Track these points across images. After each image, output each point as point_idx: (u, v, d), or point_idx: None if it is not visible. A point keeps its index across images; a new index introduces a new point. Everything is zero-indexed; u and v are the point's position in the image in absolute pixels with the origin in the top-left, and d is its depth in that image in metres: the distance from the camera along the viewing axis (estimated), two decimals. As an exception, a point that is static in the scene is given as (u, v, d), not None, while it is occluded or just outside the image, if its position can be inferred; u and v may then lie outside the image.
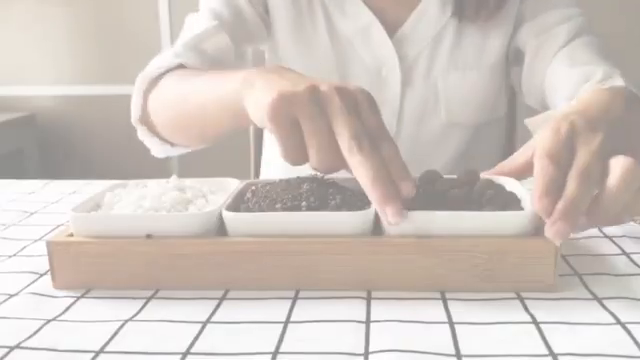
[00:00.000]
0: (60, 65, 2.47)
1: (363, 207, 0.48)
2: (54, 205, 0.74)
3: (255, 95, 0.52)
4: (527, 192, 0.48)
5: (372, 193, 0.44)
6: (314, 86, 0.48)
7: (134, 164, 2.60)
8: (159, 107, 0.75)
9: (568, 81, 0.77)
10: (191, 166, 2.40)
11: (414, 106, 0.88)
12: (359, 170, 0.45)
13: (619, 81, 0.72)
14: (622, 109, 0.55)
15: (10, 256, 0.57)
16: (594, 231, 0.58)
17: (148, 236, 0.47)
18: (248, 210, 0.48)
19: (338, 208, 0.47)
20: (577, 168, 0.46)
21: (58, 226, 0.65)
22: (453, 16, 0.85)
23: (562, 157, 0.46)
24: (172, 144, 0.79)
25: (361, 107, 0.48)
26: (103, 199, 0.53)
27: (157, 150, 0.81)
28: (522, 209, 0.47)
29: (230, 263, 0.47)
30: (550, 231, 0.43)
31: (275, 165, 1.00)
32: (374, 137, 0.47)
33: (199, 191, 0.53)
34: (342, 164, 0.47)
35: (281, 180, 0.52)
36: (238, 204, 0.50)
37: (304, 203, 0.48)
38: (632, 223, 0.61)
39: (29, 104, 2.54)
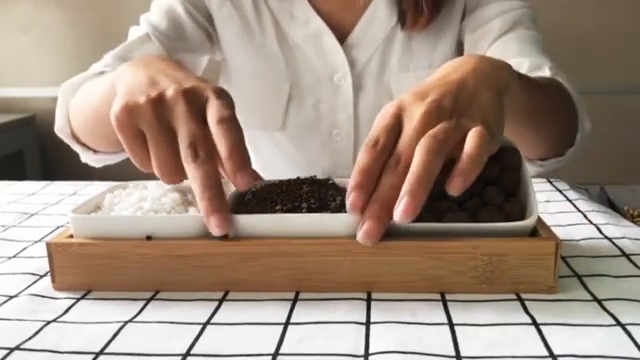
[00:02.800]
0: (60, 67, 2.47)
1: None
2: (54, 206, 0.74)
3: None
4: (532, 192, 0.48)
5: (200, 203, 0.46)
6: (160, 94, 0.50)
7: (134, 166, 2.60)
8: (73, 113, 0.76)
9: None
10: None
11: (369, 110, 0.88)
12: (192, 180, 0.47)
13: (546, 72, 0.73)
14: (485, 74, 0.51)
15: (10, 257, 0.57)
16: (594, 232, 0.58)
17: (148, 238, 0.47)
18: (248, 212, 0.48)
19: (338, 210, 0.47)
20: (393, 157, 0.45)
21: (58, 227, 0.65)
22: (398, 21, 0.85)
23: (381, 143, 0.45)
24: (95, 150, 0.79)
25: (210, 105, 0.49)
26: (103, 200, 0.53)
27: (84, 157, 0.81)
28: (524, 207, 0.47)
29: (230, 265, 0.47)
30: (359, 232, 0.44)
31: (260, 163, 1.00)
32: (220, 135, 0.47)
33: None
34: (180, 175, 0.49)
35: (281, 181, 0.52)
36: (238, 205, 0.50)
37: (304, 205, 0.48)
38: (632, 224, 0.61)
39: (29, 105, 2.54)
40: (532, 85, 0.61)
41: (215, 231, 0.45)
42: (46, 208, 0.73)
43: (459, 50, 0.88)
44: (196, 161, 0.47)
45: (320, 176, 0.54)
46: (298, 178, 0.52)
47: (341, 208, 0.48)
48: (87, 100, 0.72)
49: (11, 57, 2.48)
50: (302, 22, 0.86)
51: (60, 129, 0.78)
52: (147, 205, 0.50)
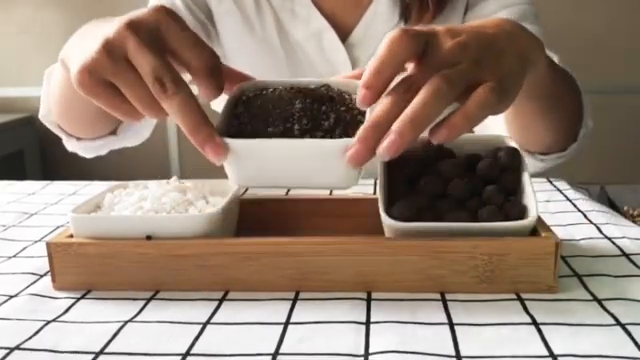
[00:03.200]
0: (60, 66, 2.47)
1: (356, 125, 0.46)
2: (54, 206, 0.74)
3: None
4: (531, 191, 0.48)
5: (188, 136, 0.45)
6: (107, 40, 0.46)
7: (134, 165, 2.60)
8: (51, 100, 0.75)
9: None
10: (192, 168, 2.41)
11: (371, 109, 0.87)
12: (172, 115, 0.45)
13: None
14: (519, 41, 0.50)
15: (10, 257, 0.57)
16: (594, 232, 0.58)
17: (148, 237, 0.47)
18: (240, 130, 0.47)
19: (331, 130, 0.46)
20: (404, 81, 0.44)
21: (58, 227, 0.65)
22: (401, 18, 0.84)
23: (399, 53, 0.44)
24: (77, 138, 0.78)
25: (164, 29, 0.47)
26: (103, 200, 0.53)
27: (68, 146, 0.80)
28: (524, 206, 0.47)
29: (230, 264, 0.47)
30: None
31: None
32: (183, 58, 0.46)
33: (199, 192, 0.53)
34: (163, 109, 0.47)
35: (274, 91, 0.50)
36: (230, 118, 0.49)
37: (296, 127, 0.46)
38: (632, 224, 0.61)
39: (29, 105, 2.54)
40: (556, 70, 0.60)
41: (215, 159, 0.45)
42: (46, 208, 0.73)
43: None
44: (166, 94, 0.45)
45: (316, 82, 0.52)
46: (292, 88, 0.50)
47: (335, 128, 0.46)
48: (55, 85, 0.71)
49: (11, 57, 2.49)
50: (303, 20, 0.86)
51: (44, 117, 0.78)
52: (147, 205, 0.50)
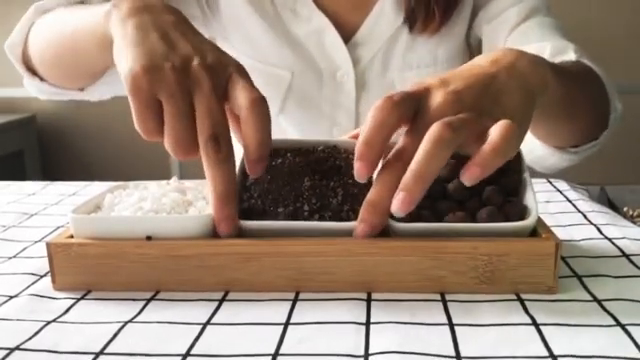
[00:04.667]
0: (60, 66, 2.47)
1: (363, 199, 0.48)
2: (54, 207, 0.74)
3: (120, 46, 0.49)
4: (531, 192, 0.48)
5: (214, 207, 0.46)
6: (184, 63, 0.46)
7: (134, 166, 2.60)
8: (38, 34, 0.74)
9: None
10: (192, 168, 2.41)
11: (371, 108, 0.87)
12: (209, 176, 0.45)
13: (571, 55, 0.71)
14: (522, 73, 0.49)
15: (10, 257, 0.57)
16: (594, 233, 0.58)
17: (148, 238, 0.47)
18: (250, 207, 0.48)
19: (339, 207, 0.48)
20: (431, 133, 0.42)
21: (58, 228, 0.65)
22: (405, 23, 0.84)
23: (389, 117, 0.44)
24: (42, 79, 0.76)
25: (236, 84, 0.47)
26: (103, 201, 0.53)
27: (27, 83, 0.79)
28: (524, 207, 0.47)
29: (230, 265, 0.47)
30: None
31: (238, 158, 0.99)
32: (251, 121, 0.46)
33: (200, 193, 0.53)
34: (195, 152, 0.46)
35: (283, 162, 0.51)
36: (240, 191, 0.50)
37: (306, 207, 0.48)
38: (632, 224, 0.61)
39: (30, 105, 2.54)
40: (567, 77, 0.58)
41: (222, 234, 0.46)
42: (46, 208, 0.73)
43: (475, 42, 0.88)
44: (218, 157, 0.45)
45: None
46: (300, 157, 0.52)
47: (343, 204, 0.48)
48: (62, 25, 0.68)
49: (11, 57, 2.49)
50: (305, 18, 0.86)
51: (11, 45, 0.76)
52: (147, 205, 0.50)
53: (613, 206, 0.71)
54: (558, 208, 0.66)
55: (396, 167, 0.44)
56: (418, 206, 0.47)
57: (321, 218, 0.47)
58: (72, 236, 0.49)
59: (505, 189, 0.49)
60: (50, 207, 0.73)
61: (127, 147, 2.39)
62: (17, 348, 0.40)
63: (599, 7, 2.22)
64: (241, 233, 0.47)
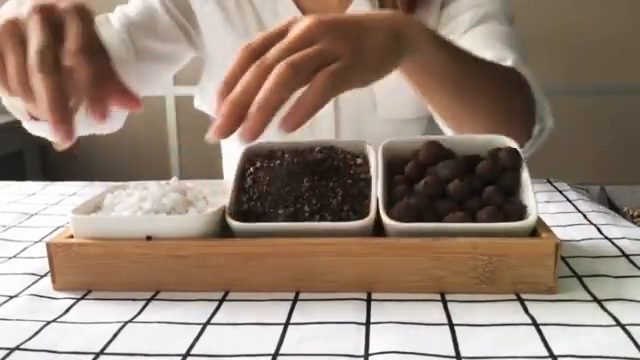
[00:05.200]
0: (60, 67, 2.46)
1: (364, 200, 0.48)
2: (54, 207, 0.74)
3: None
4: (531, 192, 0.48)
5: (45, 114, 0.45)
6: (17, 15, 0.48)
7: (134, 166, 2.60)
8: None
9: None
10: (192, 168, 2.41)
11: (351, 106, 0.88)
12: (37, 90, 0.46)
13: (508, 64, 0.72)
14: (389, 23, 0.52)
15: (10, 257, 0.57)
16: (594, 233, 0.58)
17: (148, 238, 0.47)
18: (251, 210, 0.48)
19: (340, 206, 0.48)
20: (260, 61, 0.47)
21: (58, 228, 0.65)
22: None
23: (254, 47, 0.48)
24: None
25: (69, 24, 0.48)
26: (103, 201, 0.53)
27: (26, 125, 0.77)
28: (524, 207, 0.47)
29: (230, 265, 0.47)
30: (239, 132, 0.45)
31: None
32: (77, 67, 0.46)
33: (199, 193, 0.53)
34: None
35: (281, 163, 0.52)
36: (239, 192, 0.50)
37: (306, 208, 0.48)
38: (632, 224, 0.61)
39: (29, 106, 2.54)
40: (463, 56, 0.60)
41: (60, 140, 0.46)
42: (46, 208, 0.73)
43: None
44: (42, 69, 0.45)
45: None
46: (298, 157, 0.52)
47: (342, 204, 0.48)
48: None
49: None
50: (284, 18, 0.86)
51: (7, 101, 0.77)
52: (147, 205, 0.50)
53: (613, 206, 0.71)
54: (558, 208, 0.66)
55: (258, 77, 0.46)
56: (418, 206, 0.47)
57: (322, 218, 0.47)
58: (72, 236, 0.49)
59: (505, 189, 0.49)
60: (50, 207, 0.73)
61: (127, 147, 2.39)
62: (17, 348, 0.40)
63: (598, 7, 2.22)
64: (243, 235, 0.47)
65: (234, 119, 0.46)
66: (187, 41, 0.92)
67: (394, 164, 0.52)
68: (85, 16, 0.49)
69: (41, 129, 0.76)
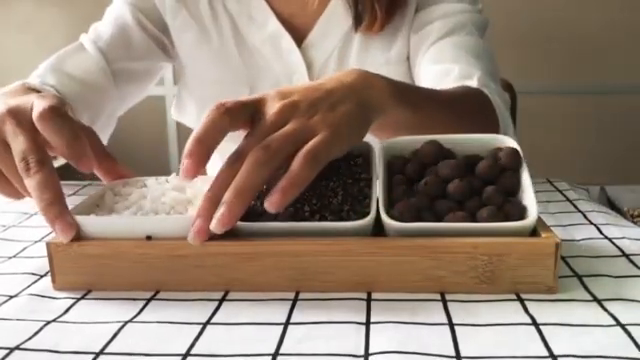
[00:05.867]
0: (60, 66, 2.46)
1: (364, 200, 0.48)
2: (54, 206, 0.73)
3: None
4: (531, 192, 0.48)
5: (44, 214, 0.48)
6: None
7: (134, 166, 2.60)
8: None
9: (426, 78, 0.78)
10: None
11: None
12: (30, 190, 0.49)
13: (473, 82, 0.72)
14: (356, 90, 0.52)
15: (10, 257, 0.57)
16: (594, 232, 0.58)
17: (148, 238, 0.47)
18: (251, 210, 0.48)
19: (340, 206, 0.48)
20: (234, 153, 0.47)
21: (58, 227, 0.65)
22: (354, 24, 0.85)
23: (222, 122, 0.47)
24: None
25: (34, 110, 0.52)
26: (103, 199, 0.53)
27: None
28: (524, 207, 0.47)
29: (230, 264, 0.47)
30: (213, 222, 0.45)
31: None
32: (45, 131, 0.51)
33: (199, 190, 0.53)
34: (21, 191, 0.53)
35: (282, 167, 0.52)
36: None
37: (306, 208, 0.48)
38: (632, 224, 0.61)
39: (29, 105, 2.54)
40: (423, 101, 0.60)
41: (62, 237, 0.47)
42: (46, 208, 0.73)
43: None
44: (29, 173, 0.49)
45: None
46: None
47: (343, 204, 0.48)
48: None
49: (11, 57, 2.48)
50: (260, 24, 0.86)
51: None
52: (147, 205, 0.50)
53: (613, 206, 0.71)
54: (558, 208, 0.66)
55: (232, 168, 0.46)
56: (418, 206, 0.47)
57: (322, 218, 0.47)
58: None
59: (505, 189, 0.49)
60: (50, 207, 0.73)
61: (127, 147, 2.39)
62: (17, 348, 0.40)
63: (600, 6, 2.22)
64: (242, 234, 0.47)
65: (212, 214, 0.45)
66: (164, 53, 0.91)
67: (394, 164, 0.52)
68: (49, 98, 0.53)
69: None
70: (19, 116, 0.52)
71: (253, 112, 0.49)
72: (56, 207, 0.48)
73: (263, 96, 0.50)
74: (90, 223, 0.48)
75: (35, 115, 0.51)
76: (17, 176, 0.51)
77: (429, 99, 0.62)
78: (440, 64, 0.77)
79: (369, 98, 0.52)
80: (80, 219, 0.48)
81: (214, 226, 0.45)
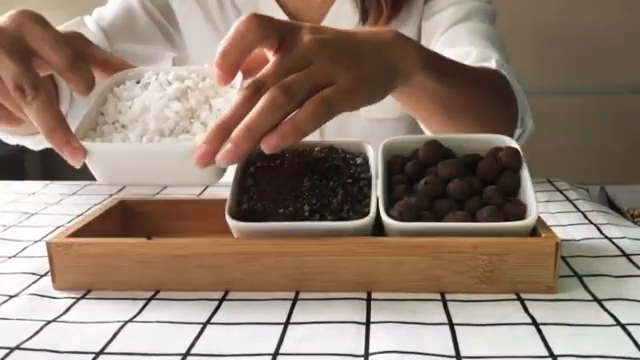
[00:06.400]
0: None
1: (364, 199, 0.48)
2: (54, 206, 0.74)
3: None
4: (531, 192, 0.48)
5: (50, 142, 0.46)
6: None
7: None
8: None
9: None
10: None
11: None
12: (32, 119, 0.47)
13: (491, 64, 0.72)
14: (387, 51, 0.51)
15: (10, 257, 0.57)
16: (594, 232, 0.58)
17: (148, 237, 0.47)
18: (251, 210, 0.48)
19: (340, 206, 0.48)
20: (254, 82, 0.46)
21: (58, 227, 0.65)
22: (361, 18, 0.85)
23: (248, 42, 0.46)
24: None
25: (25, 32, 0.49)
26: (106, 107, 0.51)
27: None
28: (524, 207, 0.47)
29: (230, 264, 0.47)
30: (219, 154, 0.44)
31: None
32: (44, 58, 0.48)
33: (202, 94, 0.51)
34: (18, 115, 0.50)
35: (282, 163, 0.51)
36: (241, 191, 0.50)
37: (306, 207, 0.48)
38: (633, 224, 0.61)
39: (29, 105, 2.53)
40: (455, 79, 0.60)
41: (72, 162, 0.46)
42: (46, 208, 0.73)
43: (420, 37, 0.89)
44: (25, 100, 0.46)
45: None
46: (299, 159, 0.52)
47: (343, 203, 0.48)
48: None
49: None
50: None
51: None
52: (151, 124, 0.48)
53: (613, 206, 0.71)
54: (558, 208, 0.66)
55: (249, 99, 0.45)
56: (418, 206, 0.47)
57: (322, 218, 0.47)
58: (72, 234, 0.49)
59: (505, 189, 0.49)
60: (50, 207, 0.73)
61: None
62: (17, 348, 0.40)
63: (600, 6, 2.22)
64: (243, 234, 0.47)
65: (219, 144, 0.44)
66: (167, 42, 0.91)
67: (394, 163, 0.52)
68: (38, 20, 0.50)
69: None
70: (4, 37, 0.48)
71: (283, 36, 0.47)
72: (60, 132, 0.46)
73: (297, 24, 0.49)
74: (96, 151, 0.47)
75: (33, 36, 0.48)
76: (13, 102, 0.48)
77: (456, 71, 0.62)
78: (456, 47, 0.77)
79: (398, 61, 0.51)
80: (86, 145, 0.47)
81: (219, 159, 0.44)
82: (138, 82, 0.53)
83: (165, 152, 0.47)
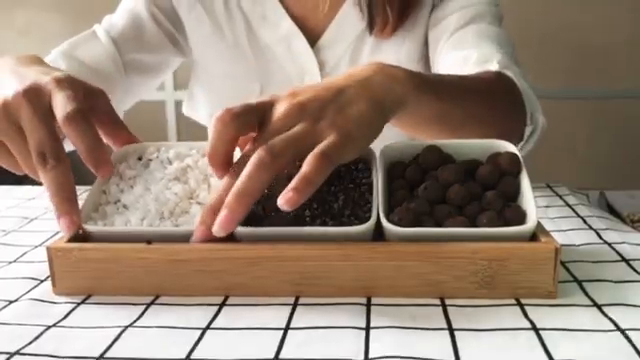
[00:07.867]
0: (61, 71, 2.47)
1: (365, 204, 0.48)
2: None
3: None
4: (531, 197, 0.48)
5: (54, 205, 0.49)
6: (4, 104, 0.51)
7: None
8: None
9: (445, 65, 0.78)
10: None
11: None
12: (45, 184, 0.49)
13: (493, 65, 0.71)
14: (371, 87, 0.51)
15: (10, 262, 0.57)
16: (593, 237, 0.58)
17: (148, 242, 0.47)
18: (251, 214, 0.48)
19: (341, 211, 0.48)
20: (240, 159, 0.48)
21: (58, 232, 0.65)
22: (367, 26, 0.85)
23: (235, 124, 0.47)
24: None
25: (54, 101, 0.51)
26: (108, 186, 0.52)
27: None
28: (523, 212, 0.47)
29: (230, 269, 0.47)
30: (215, 224, 0.45)
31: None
32: (71, 136, 0.50)
33: (201, 172, 0.52)
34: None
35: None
36: None
37: (307, 212, 0.48)
38: (632, 229, 0.61)
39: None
40: (444, 89, 0.59)
41: (63, 232, 0.48)
42: (46, 213, 0.73)
43: (427, 44, 0.88)
44: (45, 168, 0.49)
45: None
46: (299, 165, 0.51)
47: (344, 208, 0.48)
48: None
49: (12, 61, 2.49)
50: (273, 24, 0.87)
51: None
52: (151, 206, 0.49)
53: (613, 211, 0.71)
54: (558, 213, 0.67)
55: (237, 172, 0.46)
56: (418, 211, 0.47)
57: (322, 223, 0.47)
58: (72, 240, 0.49)
59: (505, 194, 0.49)
60: (50, 211, 0.73)
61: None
62: (17, 353, 0.40)
63: (601, 11, 2.23)
64: (243, 239, 0.47)
65: (214, 220, 0.46)
66: (175, 49, 0.92)
67: (394, 169, 0.52)
68: (70, 90, 0.52)
69: None
70: (36, 101, 0.51)
71: (262, 115, 0.49)
72: (67, 204, 0.48)
73: (272, 98, 0.50)
74: (97, 231, 0.48)
75: (61, 116, 0.50)
76: (29, 162, 0.51)
77: (451, 86, 0.61)
78: (460, 51, 0.77)
79: (385, 94, 0.51)
80: (87, 228, 0.48)
81: (217, 229, 0.45)
82: (140, 159, 0.55)
83: (165, 236, 0.48)
